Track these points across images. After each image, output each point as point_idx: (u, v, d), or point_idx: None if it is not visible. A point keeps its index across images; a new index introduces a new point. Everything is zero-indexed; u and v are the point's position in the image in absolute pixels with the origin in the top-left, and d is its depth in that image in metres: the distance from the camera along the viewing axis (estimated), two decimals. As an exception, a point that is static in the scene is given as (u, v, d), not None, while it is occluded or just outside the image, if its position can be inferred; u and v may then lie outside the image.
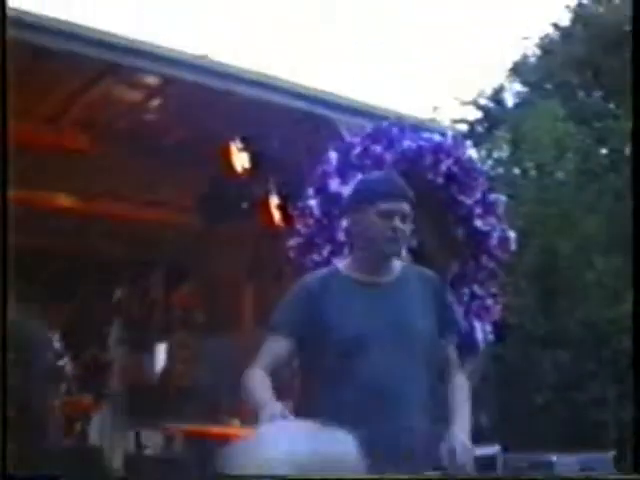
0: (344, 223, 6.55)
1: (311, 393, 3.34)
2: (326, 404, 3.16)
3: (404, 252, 7.09)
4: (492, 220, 7.42)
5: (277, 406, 2.86)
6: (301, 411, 3.15)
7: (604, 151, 13.77)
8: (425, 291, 3.44)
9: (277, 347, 3.32)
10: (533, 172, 12.60)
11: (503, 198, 7.73)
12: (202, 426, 8.52)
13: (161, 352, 10.81)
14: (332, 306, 3.31)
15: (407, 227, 3.35)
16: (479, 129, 16.20)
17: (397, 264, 3.45)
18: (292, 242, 6.74)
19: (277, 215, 8.28)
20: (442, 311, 3.44)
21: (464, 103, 16.87)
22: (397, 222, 3.29)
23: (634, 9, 4.20)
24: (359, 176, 6.71)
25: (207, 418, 8.82)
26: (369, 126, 7.08)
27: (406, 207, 3.33)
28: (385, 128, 7.06)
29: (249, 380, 3.17)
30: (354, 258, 3.47)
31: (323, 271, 3.55)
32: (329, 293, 3.35)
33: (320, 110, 7.43)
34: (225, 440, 8.32)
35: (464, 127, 15.99)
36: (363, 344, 3.23)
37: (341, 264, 3.50)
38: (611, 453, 9.51)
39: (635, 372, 4.15)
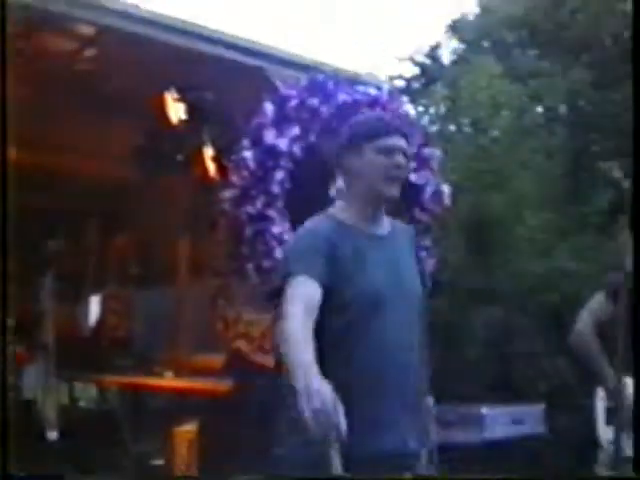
0: (280, 175, 6.59)
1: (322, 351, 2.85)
2: (343, 362, 2.88)
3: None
4: (427, 174, 7.49)
5: (327, 390, 2.48)
6: None
7: (538, 109, 13.91)
8: (410, 246, 3.30)
9: (308, 289, 2.87)
10: (468, 128, 12.69)
11: (438, 152, 7.79)
12: (136, 378, 8.53)
13: (95, 304, 10.77)
14: (348, 257, 3.02)
15: (407, 166, 3.17)
16: (416, 85, 16.26)
17: (384, 216, 3.24)
18: (227, 194, 6.74)
19: (212, 167, 8.26)
20: (420, 266, 3.31)
21: (401, 59, 16.91)
22: (401, 158, 3.10)
23: (634, 9, 4.23)
24: (295, 129, 6.78)
25: (141, 370, 8.83)
26: (304, 79, 7.08)
27: (405, 144, 3.13)
28: (321, 81, 7.08)
29: (293, 334, 2.71)
30: (351, 206, 3.18)
31: (324, 218, 3.19)
32: (342, 242, 3.04)
33: (255, 62, 7.40)
34: (159, 392, 8.39)
35: (401, 83, 16.07)
36: (380, 301, 3.01)
37: (336, 212, 3.20)
38: (541, 406, 9.69)
39: (636, 368, 4.22)
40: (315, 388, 2.47)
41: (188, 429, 7.20)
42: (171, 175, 8.77)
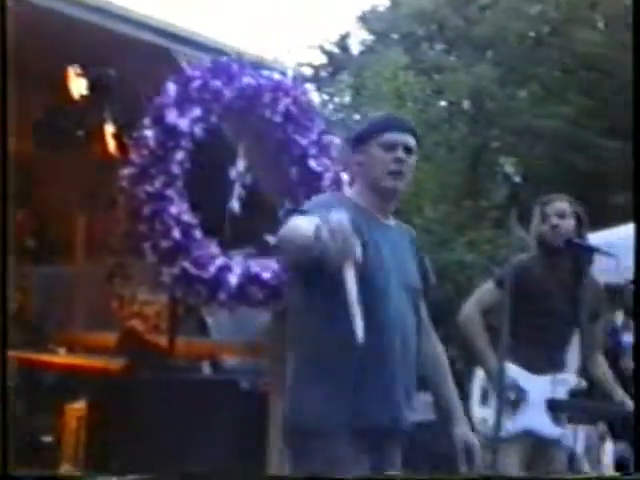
0: (180, 155, 6.60)
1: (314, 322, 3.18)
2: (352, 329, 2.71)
3: (240, 189, 7.20)
4: (326, 161, 7.56)
5: (345, 217, 2.54)
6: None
7: (442, 103, 14.13)
8: (411, 244, 3.47)
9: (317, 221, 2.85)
10: (372, 119, 12.80)
11: (338, 140, 7.86)
12: (29, 353, 8.46)
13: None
14: (360, 229, 3.03)
15: (412, 161, 3.30)
16: (323, 73, 16.37)
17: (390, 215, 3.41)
18: (126, 171, 6.72)
19: (112, 144, 8.20)
20: (422, 265, 3.48)
21: (310, 47, 17.02)
22: (401, 153, 3.24)
23: (634, 8, 4.32)
24: (197, 109, 6.78)
25: (34, 345, 8.76)
26: (208, 60, 7.09)
27: (410, 140, 3.29)
28: (225, 63, 7.08)
29: (298, 222, 2.79)
30: (362, 196, 3.35)
31: (340, 195, 3.50)
32: (356, 216, 3.02)
33: (161, 41, 7.37)
34: (51, 368, 8.34)
35: (309, 70, 16.18)
36: (387, 279, 3.16)
37: (350, 195, 3.41)
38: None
39: (636, 370, 4.35)
40: (333, 216, 2.54)
41: (78, 406, 7.19)
42: (71, 150, 8.67)
